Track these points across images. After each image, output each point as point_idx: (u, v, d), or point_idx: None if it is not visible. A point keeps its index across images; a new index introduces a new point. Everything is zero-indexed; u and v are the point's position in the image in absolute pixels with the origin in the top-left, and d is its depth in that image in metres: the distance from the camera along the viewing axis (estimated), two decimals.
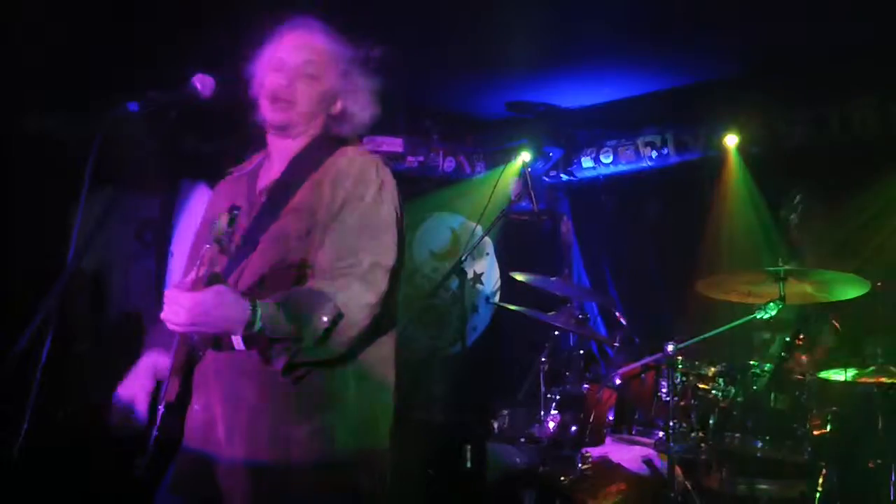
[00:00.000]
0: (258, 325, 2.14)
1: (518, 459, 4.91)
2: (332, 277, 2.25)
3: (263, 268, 2.33)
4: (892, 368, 3.96)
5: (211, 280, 2.16)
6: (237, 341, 2.19)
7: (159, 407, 2.25)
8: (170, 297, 2.11)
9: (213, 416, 2.35)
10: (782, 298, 3.74)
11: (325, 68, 2.47)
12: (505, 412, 5.21)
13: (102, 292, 3.91)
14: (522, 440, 4.89)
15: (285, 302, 2.18)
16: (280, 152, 2.51)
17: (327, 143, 2.48)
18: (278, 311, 2.15)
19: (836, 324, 4.32)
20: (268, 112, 2.45)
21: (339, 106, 2.51)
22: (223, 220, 2.19)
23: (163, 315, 2.11)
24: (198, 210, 3.73)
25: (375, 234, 2.33)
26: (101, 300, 3.90)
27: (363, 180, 2.37)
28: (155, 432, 2.23)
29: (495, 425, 5.21)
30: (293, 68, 2.45)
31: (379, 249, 2.32)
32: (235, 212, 2.23)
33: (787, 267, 3.86)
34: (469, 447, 4.76)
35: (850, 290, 4.01)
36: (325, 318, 2.17)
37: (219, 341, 2.28)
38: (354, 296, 2.23)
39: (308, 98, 2.45)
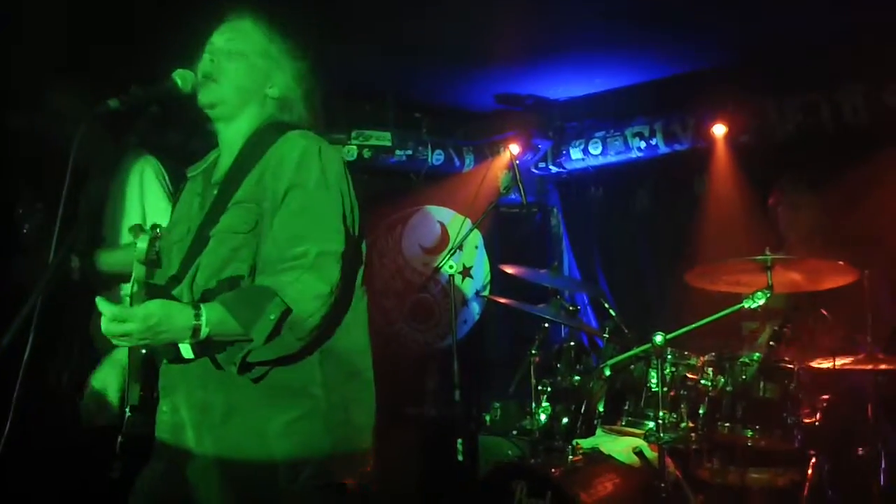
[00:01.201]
0: (205, 330, 2.12)
1: (510, 452, 4.91)
2: (281, 271, 2.21)
3: (216, 263, 2.31)
4: (880, 356, 3.97)
5: (151, 293, 2.14)
6: (185, 350, 2.17)
7: (126, 410, 2.23)
8: (109, 314, 2.08)
9: (181, 419, 2.33)
10: (770, 287, 3.73)
11: (249, 44, 2.46)
12: (496, 405, 5.21)
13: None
14: (514, 433, 4.89)
15: (231, 302, 2.16)
16: (228, 144, 2.48)
17: (273, 130, 2.44)
18: (224, 313, 2.14)
19: (825, 312, 4.32)
20: (198, 95, 2.42)
21: (275, 90, 2.48)
22: (143, 244, 2.17)
23: (104, 329, 2.09)
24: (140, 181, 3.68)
25: (320, 221, 2.28)
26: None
27: (305, 165, 2.32)
28: (121, 437, 2.21)
29: (487, 418, 5.22)
30: (218, 47, 2.45)
31: (325, 236, 2.27)
32: (157, 231, 2.21)
33: (774, 256, 3.86)
34: (461, 440, 4.75)
35: (839, 278, 4.01)
36: (271, 316, 2.14)
37: (173, 349, 2.24)
38: (306, 288, 2.19)
39: (231, 73, 2.42)
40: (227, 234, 2.32)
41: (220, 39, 2.46)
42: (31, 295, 2.18)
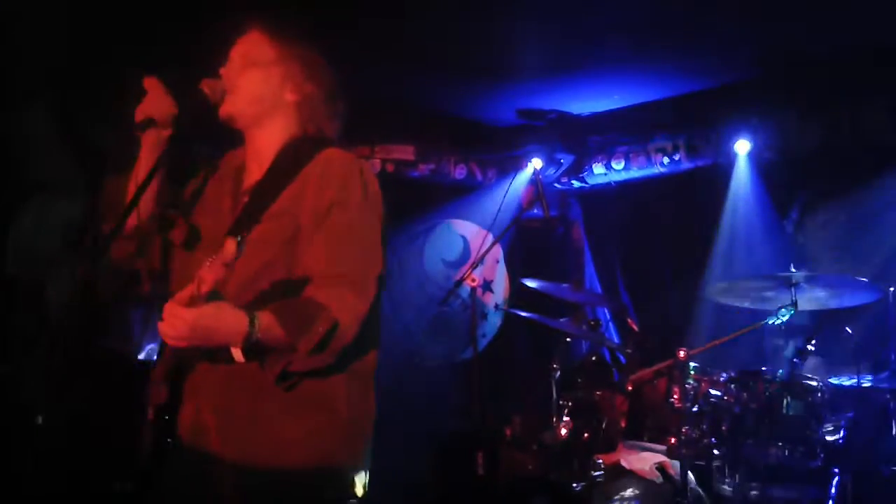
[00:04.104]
0: (255, 335, 2.13)
1: (530, 466, 4.90)
2: (326, 286, 2.23)
3: (249, 273, 2.30)
4: None
5: (210, 296, 2.15)
6: (237, 354, 2.16)
7: (148, 413, 2.24)
8: (169, 312, 2.09)
9: (206, 422, 2.33)
10: (794, 304, 3.72)
11: (262, 54, 2.47)
12: (517, 419, 5.21)
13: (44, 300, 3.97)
14: (534, 447, 4.89)
15: (281, 312, 2.17)
16: (258, 152, 2.48)
17: (308, 143, 2.45)
18: (274, 321, 2.15)
19: (850, 330, 4.30)
20: (219, 111, 2.43)
21: (292, 94, 2.48)
22: (231, 246, 2.16)
23: (162, 329, 2.10)
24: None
25: (364, 241, 2.32)
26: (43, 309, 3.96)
27: (348, 184, 2.34)
28: (144, 439, 2.22)
29: (507, 432, 5.21)
30: (233, 61, 2.47)
31: (368, 257, 2.31)
32: (243, 235, 2.20)
33: (799, 272, 3.85)
34: (481, 454, 4.75)
35: (864, 295, 3.99)
36: (321, 329, 2.16)
37: (214, 353, 2.25)
38: (348, 305, 2.22)
39: (246, 84, 2.43)
40: (261, 244, 2.32)
41: (237, 54, 2.48)
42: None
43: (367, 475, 2.41)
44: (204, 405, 2.34)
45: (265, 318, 2.15)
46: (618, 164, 6.39)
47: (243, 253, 2.24)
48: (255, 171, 2.47)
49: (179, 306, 2.09)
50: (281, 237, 2.32)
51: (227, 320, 2.12)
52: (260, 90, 2.44)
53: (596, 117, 6.41)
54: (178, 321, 2.09)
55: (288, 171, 2.40)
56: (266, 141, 2.47)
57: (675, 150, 6.05)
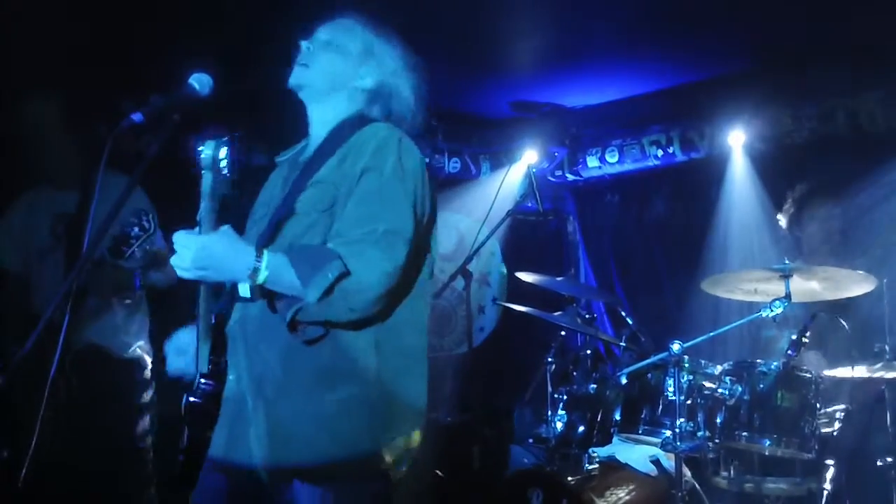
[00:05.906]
0: (263, 273, 2.17)
1: (525, 459, 4.91)
2: (348, 243, 2.25)
3: (289, 238, 2.36)
4: None
5: (223, 219, 2.19)
6: (243, 289, 2.22)
7: (197, 378, 2.25)
8: (177, 240, 2.16)
9: (243, 389, 2.36)
10: (788, 296, 3.72)
11: (348, 38, 2.55)
12: (512, 412, 5.21)
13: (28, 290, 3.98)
14: (530, 440, 4.89)
15: (293, 254, 2.22)
16: (315, 132, 2.56)
17: (358, 120, 2.51)
18: (285, 262, 2.20)
19: (844, 321, 4.30)
20: (289, 78, 2.52)
21: (367, 81, 2.54)
22: (208, 150, 2.19)
23: (173, 261, 2.17)
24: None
25: (392, 204, 2.33)
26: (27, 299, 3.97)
27: (384, 151, 2.37)
28: (191, 400, 2.23)
29: (503, 425, 5.22)
30: (318, 38, 2.55)
31: (395, 218, 2.31)
32: (233, 137, 2.22)
33: (792, 264, 3.85)
34: (477, 447, 4.76)
35: (858, 286, 3.99)
36: (329, 275, 2.17)
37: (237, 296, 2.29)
38: (368, 261, 2.23)
39: (323, 63, 2.51)
40: (302, 211, 2.38)
41: (323, 33, 2.56)
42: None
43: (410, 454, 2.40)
44: (242, 369, 2.37)
45: (277, 258, 2.20)
46: (612, 157, 6.39)
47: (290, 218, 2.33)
48: (311, 146, 2.55)
49: (187, 234, 2.16)
50: (321, 204, 2.37)
51: (235, 251, 2.17)
52: (333, 69, 2.52)
53: (590, 110, 6.41)
54: (184, 249, 2.15)
55: (335, 143, 2.46)
56: (324, 119, 2.54)
57: (670, 142, 6.05)
